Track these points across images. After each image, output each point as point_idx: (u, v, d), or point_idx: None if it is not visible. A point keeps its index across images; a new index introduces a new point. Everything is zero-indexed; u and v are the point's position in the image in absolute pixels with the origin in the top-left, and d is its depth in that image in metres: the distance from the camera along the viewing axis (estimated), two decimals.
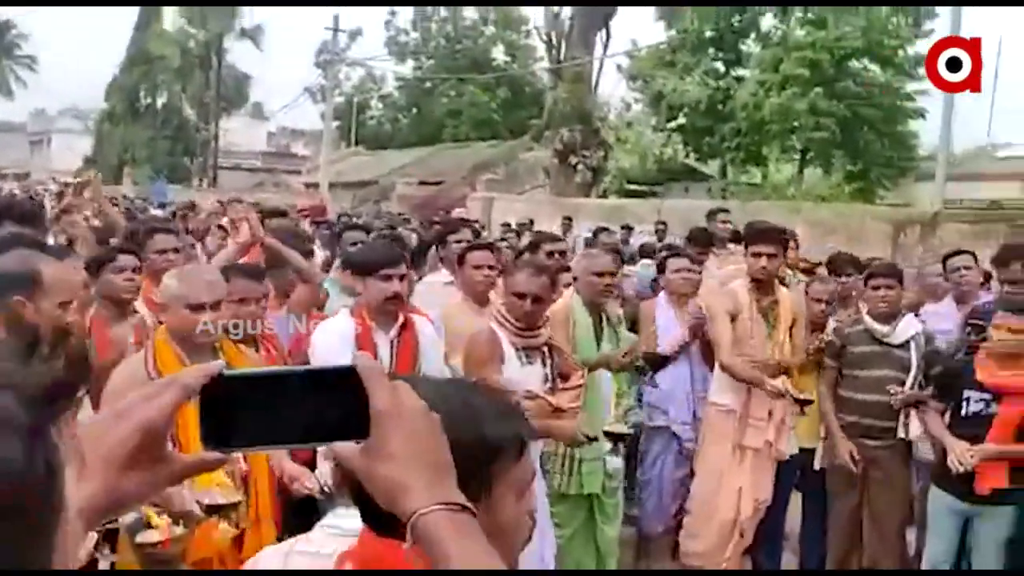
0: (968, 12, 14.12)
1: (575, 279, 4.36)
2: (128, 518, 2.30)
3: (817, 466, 4.80)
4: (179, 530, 2.46)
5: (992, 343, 4.05)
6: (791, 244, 5.68)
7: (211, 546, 2.68)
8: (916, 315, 5.01)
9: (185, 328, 2.86)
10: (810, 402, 4.34)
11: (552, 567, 3.70)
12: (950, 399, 4.19)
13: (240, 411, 0.88)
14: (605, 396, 4.21)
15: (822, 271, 5.88)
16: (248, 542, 2.83)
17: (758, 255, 4.26)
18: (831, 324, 4.86)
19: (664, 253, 5.42)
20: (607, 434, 3.57)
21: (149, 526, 2.39)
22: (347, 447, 0.92)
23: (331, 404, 0.89)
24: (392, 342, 3.51)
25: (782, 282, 4.90)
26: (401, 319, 3.57)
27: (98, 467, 0.82)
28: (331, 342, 3.43)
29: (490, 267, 4.23)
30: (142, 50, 42.46)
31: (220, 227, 6.28)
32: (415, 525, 0.88)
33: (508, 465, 1.15)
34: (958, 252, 5.39)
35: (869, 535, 4.61)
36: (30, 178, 33.04)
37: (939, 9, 20.29)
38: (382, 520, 1.04)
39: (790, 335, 4.46)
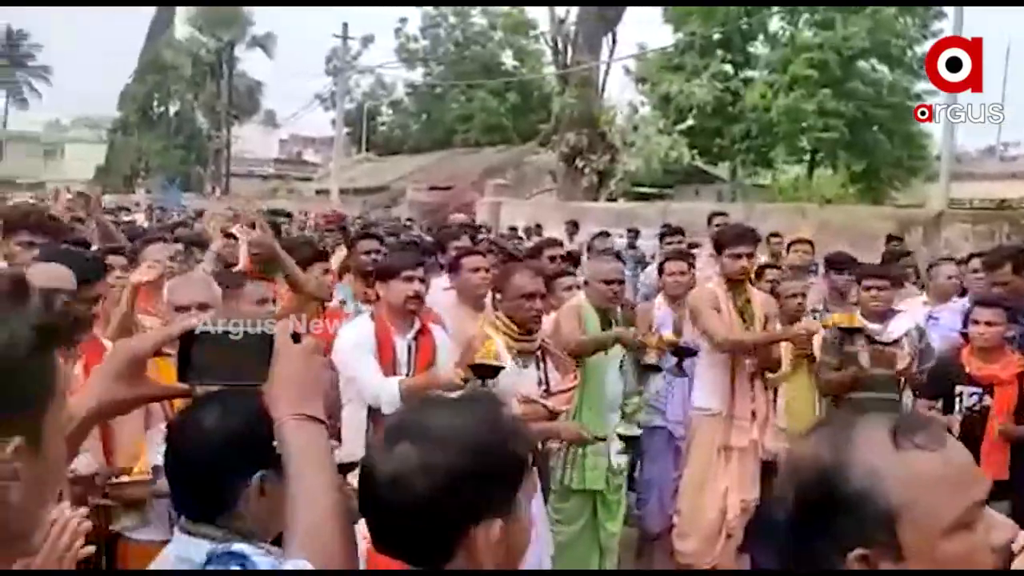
0: (974, 13, 14.14)
1: (586, 283, 4.49)
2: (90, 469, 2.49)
3: None
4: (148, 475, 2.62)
5: (973, 338, 4.16)
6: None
7: None
8: (932, 317, 5.11)
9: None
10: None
11: (549, 567, 3.79)
12: (941, 395, 4.27)
13: (204, 356, 1.25)
14: (612, 394, 4.32)
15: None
16: None
17: (737, 256, 4.36)
18: (808, 318, 4.98)
19: (663, 256, 5.53)
20: (620, 437, 3.68)
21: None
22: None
23: (257, 357, 1.26)
24: (410, 345, 3.66)
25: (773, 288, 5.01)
26: (418, 324, 3.72)
27: (95, 379, 1.22)
28: (353, 340, 3.59)
29: (486, 270, 4.35)
30: (154, 59, 42.86)
31: (229, 234, 6.41)
32: (277, 429, 1.22)
33: (526, 476, 1.25)
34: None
35: None
36: (44, 188, 33.38)
37: (947, 9, 20.26)
38: (400, 543, 1.19)
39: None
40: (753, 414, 4.43)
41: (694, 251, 6.21)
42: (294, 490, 1.19)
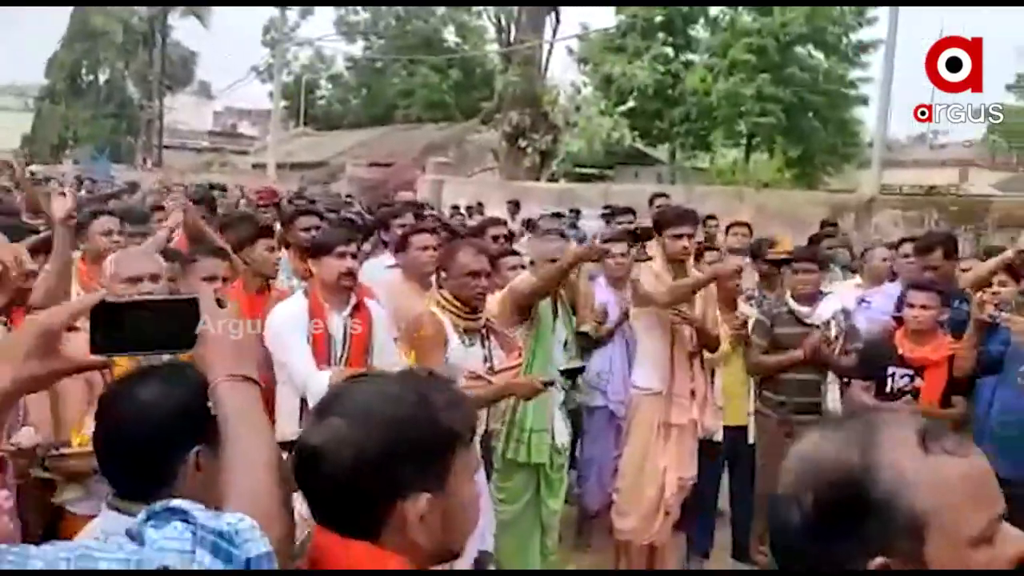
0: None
1: (532, 262, 4.48)
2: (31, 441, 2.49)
3: (751, 441, 5.03)
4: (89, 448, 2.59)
5: (908, 320, 4.29)
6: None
7: None
8: (864, 300, 5.27)
9: None
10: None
11: (491, 543, 3.81)
12: (873, 374, 4.40)
13: (118, 327, 1.24)
14: (558, 338, 4.33)
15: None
16: None
17: (679, 236, 4.41)
18: (742, 303, 5.10)
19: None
20: (563, 372, 3.68)
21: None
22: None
23: (181, 324, 1.26)
24: (345, 322, 3.60)
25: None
26: (354, 299, 3.66)
27: (7, 356, 1.19)
28: (286, 321, 3.51)
29: (434, 248, 4.32)
30: (84, 25, 41.37)
31: (159, 207, 6.25)
32: (212, 391, 1.24)
33: (462, 451, 1.25)
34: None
35: None
36: None
37: None
38: (332, 516, 1.20)
39: (703, 313, 4.64)
40: (692, 393, 4.50)
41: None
42: (230, 452, 1.19)
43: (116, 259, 3.18)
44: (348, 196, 15.81)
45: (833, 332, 4.72)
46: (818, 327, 4.77)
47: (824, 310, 4.86)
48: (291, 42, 36.08)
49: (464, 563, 3.73)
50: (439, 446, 1.21)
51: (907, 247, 5.53)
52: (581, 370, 3.82)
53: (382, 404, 1.20)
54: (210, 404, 1.25)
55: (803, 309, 4.89)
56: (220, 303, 1.31)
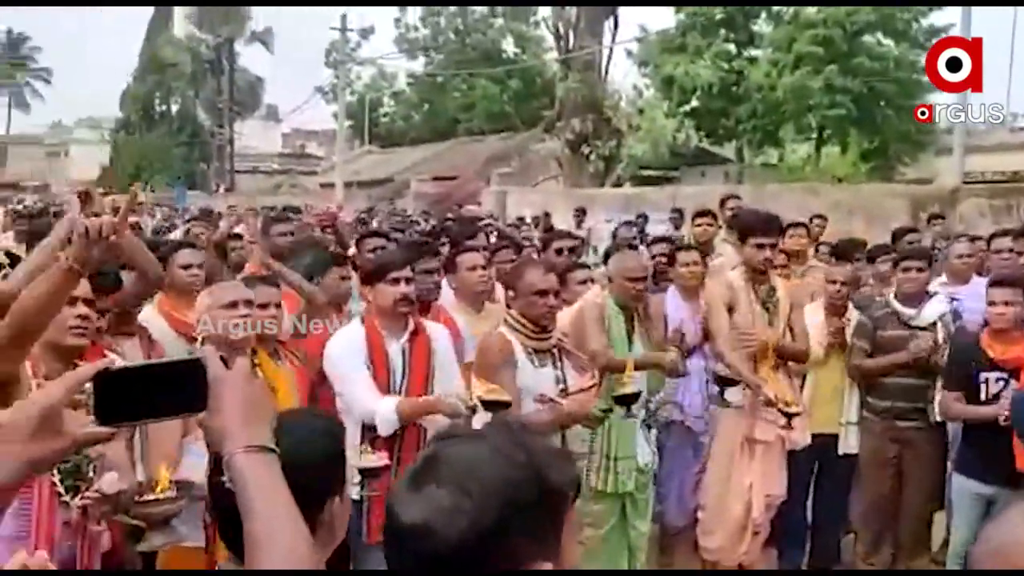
0: None
1: (609, 280, 4.30)
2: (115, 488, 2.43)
3: (841, 451, 4.77)
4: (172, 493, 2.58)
5: (992, 320, 4.01)
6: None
7: None
8: (954, 299, 4.97)
9: (222, 329, 3.07)
10: (797, 414, 4.24)
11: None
12: (963, 383, 4.13)
13: (123, 396, 1.16)
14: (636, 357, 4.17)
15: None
16: None
17: (761, 246, 4.20)
18: (852, 311, 4.83)
19: (674, 245, 5.35)
20: (616, 399, 3.54)
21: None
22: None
23: (187, 386, 1.18)
24: (404, 348, 3.49)
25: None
26: (412, 325, 3.54)
27: (12, 439, 1.11)
28: (343, 350, 3.44)
29: (483, 267, 4.23)
30: (154, 58, 42.75)
31: (236, 235, 6.28)
32: (228, 464, 1.13)
33: (571, 510, 1.14)
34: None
35: (902, 518, 4.60)
36: (49, 190, 33.35)
37: None
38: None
39: (789, 324, 4.41)
40: None
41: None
42: (255, 529, 1.10)
43: (210, 290, 3.30)
44: (424, 213, 15.83)
45: (941, 335, 4.45)
46: (924, 329, 4.50)
47: (930, 312, 4.57)
48: (353, 62, 36.57)
49: None
50: (553, 509, 1.09)
51: (1001, 241, 5.22)
52: (637, 396, 3.65)
53: (489, 467, 1.07)
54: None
55: (908, 311, 4.59)
56: (226, 363, 1.21)
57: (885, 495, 4.67)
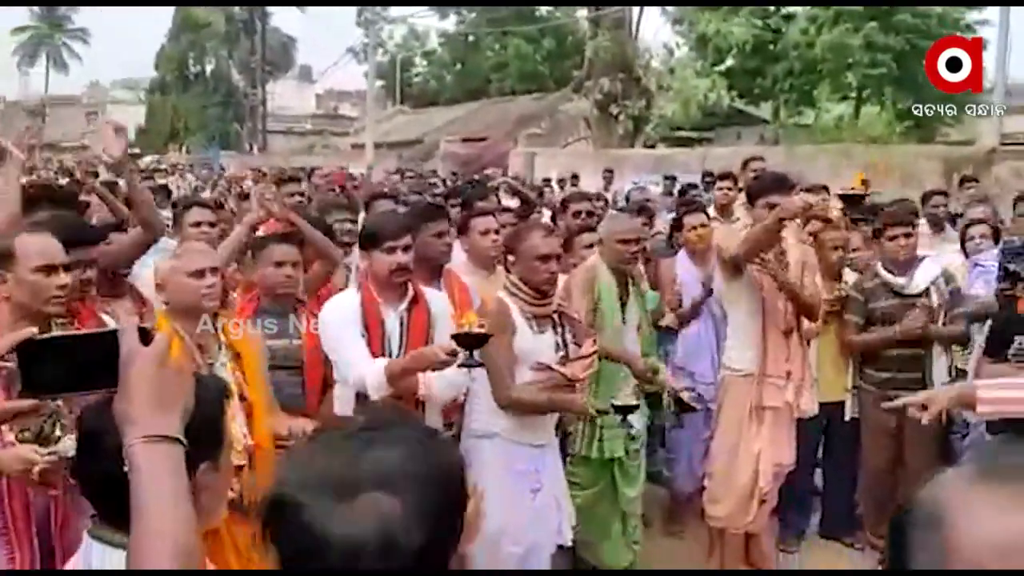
0: None
1: (600, 241, 4.22)
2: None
3: (847, 417, 4.71)
4: None
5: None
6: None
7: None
8: (978, 264, 4.81)
9: (188, 297, 2.89)
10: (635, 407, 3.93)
11: (568, 539, 3.66)
12: (1002, 349, 4.00)
13: (47, 366, 1.16)
14: (629, 323, 4.12)
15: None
16: (253, 515, 2.88)
17: (771, 206, 4.09)
18: (847, 273, 4.72)
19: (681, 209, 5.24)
20: (615, 407, 3.47)
21: None
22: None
23: (109, 360, 1.12)
24: (401, 317, 3.38)
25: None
26: (411, 293, 3.43)
27: None
28: (337, 318, 3.35)
29: (496, 231, 4.16)
30: (188, 17, 42.83)
31: (245, 196, 6.29)
32: (126, 453, 1.07)
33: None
34: None
35: (904, 489, 4.52)
36: (88, 151, 33.71)
37: None
38: None
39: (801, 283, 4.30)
40: (788, 374, 4.20)
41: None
42: (139, 527, 1.04)
43: (177, 254, 3.09)
44: (453, 174, 15.71)
45: (935, 300, 4.32)
46: (918, 296, 4.38)
47: (921, 278, 4.45)
48: (384, 21, 36.34)
49: (542, 559, 3.61)
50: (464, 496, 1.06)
51: None
52: (635, 408, 3.57)
53: (413, 464, 0.99)
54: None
55: (898, 280, 4.48)
56: (146, 336, 1.13)
57: (885, 467, 4.60)
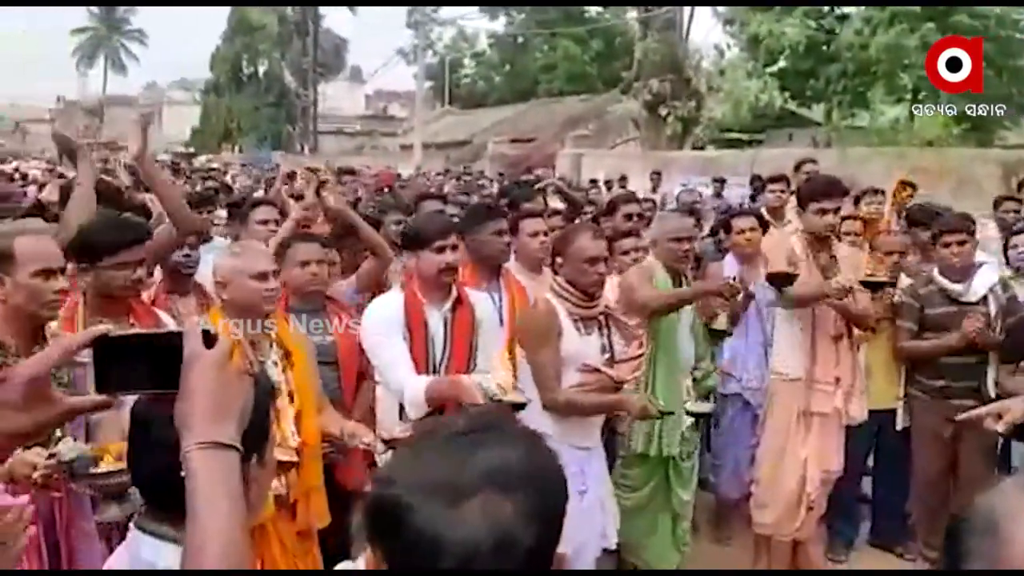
0: None
1: (654, 243, 4.21)
2: (72, 454, 2.31)
3: (899, 426, 4.63)
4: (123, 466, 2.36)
5: None
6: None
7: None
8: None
9: (250, 298, 2.93)
10: (888, 284, 4.16)
11: (613, 542, 3.65)
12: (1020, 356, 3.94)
13: (120, 364, 1.16)
14: (684, 358, 4.13)
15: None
16: (299, 512, 2.93)
17: (823, 212, 4.04)
18: (903, 279, 4.64)
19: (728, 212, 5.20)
20: (689, 413, 3.46)
21: (96, 464, 2.37)
22: None
23: (174, 361, 1.13)
24: (445, 318, 3.37)
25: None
26: (455, 294, 3.42)
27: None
28: (378, 320, 3.35)
29: (544, 233, 4.16)
30: (242, 19, 43.56)
31: (299, 197, 6.35)
32: (183, 458, 1.07)
33: None
34: None
35: (958, 497, 4.43)
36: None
37: None
38: None
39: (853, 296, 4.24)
40: (837, 380, 4.15)
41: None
42: (194, 534, 1.05)
43: (236, 254, 3.08)
44: (500, 175, 15.72)
45: (993, 308, 4.23)
46: (975, 304, 4.29)
47: (979, 285, 4.36)
48: (433, 23, 36.58)
49: (588, 561, 3.60)
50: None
51: None
52: (710, 414, 3.55)
53: (519, 463, 0.99)
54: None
55: (955, 287, 4.40)
56: (209, 339, 1.13)
57: (938, 475, 4.51)
